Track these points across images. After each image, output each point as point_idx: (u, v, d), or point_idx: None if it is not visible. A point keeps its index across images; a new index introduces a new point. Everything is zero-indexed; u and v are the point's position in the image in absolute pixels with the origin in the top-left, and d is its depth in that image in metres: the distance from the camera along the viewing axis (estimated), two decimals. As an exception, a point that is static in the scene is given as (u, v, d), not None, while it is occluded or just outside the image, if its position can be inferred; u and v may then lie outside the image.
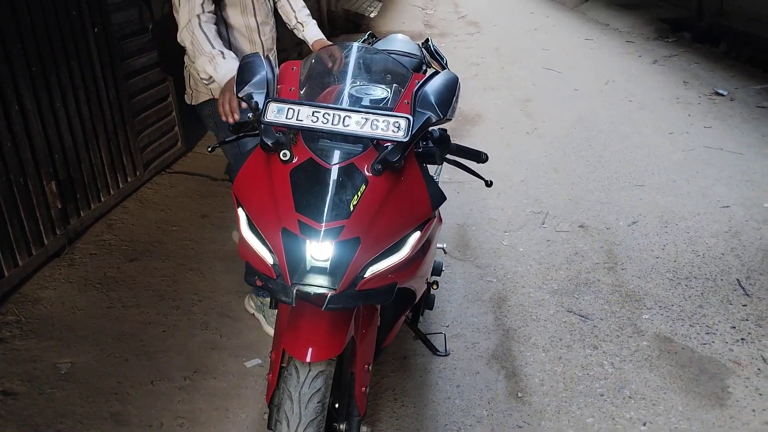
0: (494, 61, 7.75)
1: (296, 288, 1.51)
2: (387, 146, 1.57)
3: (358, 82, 1.91)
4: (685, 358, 2.53)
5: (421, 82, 1.69)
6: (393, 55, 2.08)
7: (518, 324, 2.82)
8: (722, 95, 5.82)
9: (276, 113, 1.59)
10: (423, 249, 1.80)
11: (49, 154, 3.23)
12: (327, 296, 1.51)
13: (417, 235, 1.64)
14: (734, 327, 2.68)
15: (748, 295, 2.87)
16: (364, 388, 1.78)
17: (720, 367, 2.47)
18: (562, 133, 5.10)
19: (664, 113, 5.42)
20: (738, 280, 2.98)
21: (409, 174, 1.66)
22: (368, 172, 1.58)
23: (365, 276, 1.55)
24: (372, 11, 12.16)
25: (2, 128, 2.91)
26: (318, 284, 1.52)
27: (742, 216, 3.57)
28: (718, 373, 2.43)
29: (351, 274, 1.52)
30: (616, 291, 2.99)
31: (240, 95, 1.67)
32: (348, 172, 1.58)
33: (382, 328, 1.99)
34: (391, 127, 1.55)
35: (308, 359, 1.58)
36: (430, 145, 1.75)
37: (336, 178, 1.56)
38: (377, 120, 1.56)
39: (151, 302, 2.98)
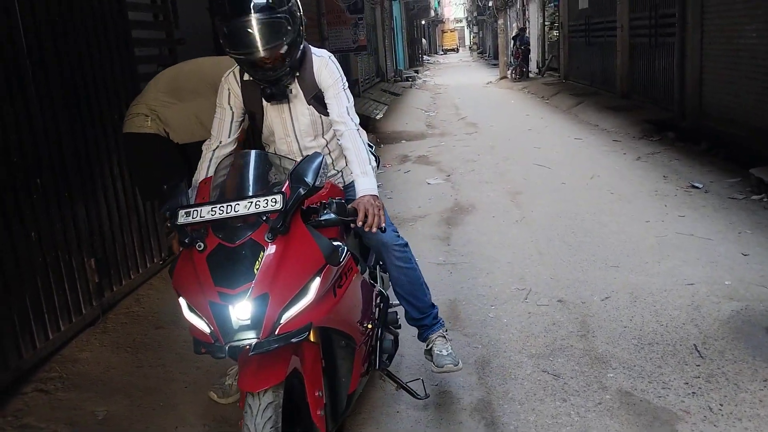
0: (489, 158, 8.38)
1: (228, 345, 1.96)
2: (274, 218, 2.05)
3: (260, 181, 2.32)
4: (642, 408, 2.88)
5: (295, 165, 2.19)
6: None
7: (498, 382, 3.18)
8: (698, 188, 6.33)
9: (184, 217, 2.09)
10: (335, 293, 2.21)
11: (90, 235, 3.73)
12: (252, 344, 1.95)
13: (317, 280, 2.07)
14: (687, 383, 3.04)
15: (702, 357, 3.24)
16: (319, 412, 2.19)
17: (671, 415, 2.82)
18: (547, 222, 5.59)
19: (643, 204, 5.92)
20: (695, 345, 3.36)
21: (298, 235, 2.11)
22: (263, 241, 2.04)
23: (281, 322, 1.99)
24: (378, 113, 13.01)
25: (54, 212, 3.42)
26: (245, 338, 1.97)
27: (704, 292, 3.97)
28: (669, 420, 2.78)
29: (269, 323, 1.97)
30: (587, 354, 3.36)
31: (162, 211, 2.20)
32: (248, 245, 2.04)
33: (344, 375, 2.44)
34: (270, 203, 2.05)
35: (254, 389, 2.00)
36: (330, 215, 2.21)
37: (240, 252, 2.03)
38: (259, 201, 2.07)
39: (174, 363, 3.38)
